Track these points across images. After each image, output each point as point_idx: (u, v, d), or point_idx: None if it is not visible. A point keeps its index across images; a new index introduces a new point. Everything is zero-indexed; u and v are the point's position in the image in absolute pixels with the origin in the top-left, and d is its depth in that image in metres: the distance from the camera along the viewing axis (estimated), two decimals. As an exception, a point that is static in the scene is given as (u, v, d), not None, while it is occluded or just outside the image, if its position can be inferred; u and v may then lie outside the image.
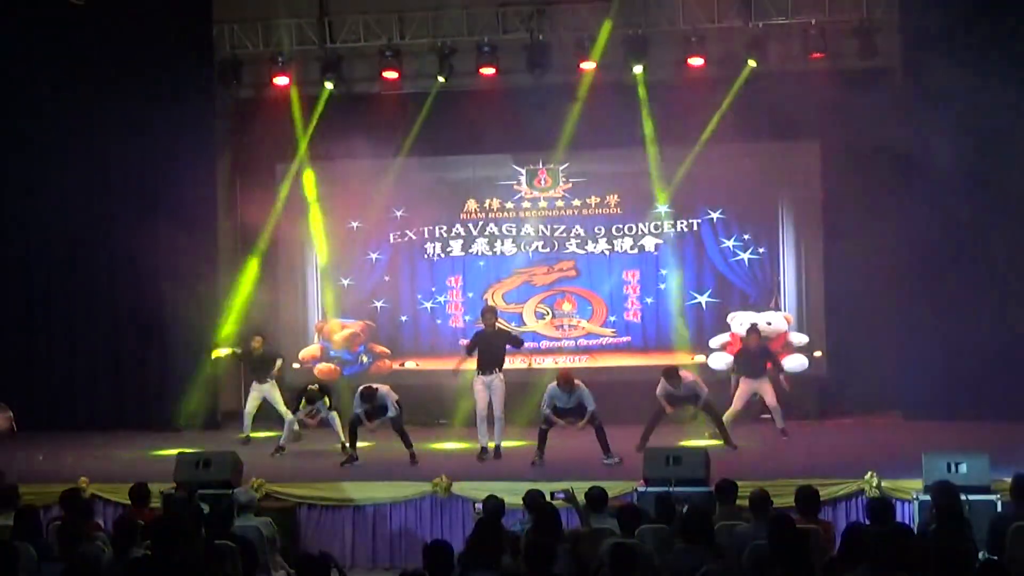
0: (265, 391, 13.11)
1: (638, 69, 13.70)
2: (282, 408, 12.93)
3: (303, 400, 12.16)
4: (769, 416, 12.76)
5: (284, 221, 15.10)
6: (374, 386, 11.48)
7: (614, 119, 13.91)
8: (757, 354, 12.49)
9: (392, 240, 15.01)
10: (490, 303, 13.98)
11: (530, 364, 13.80)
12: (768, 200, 14.41)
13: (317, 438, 12.59)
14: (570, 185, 14.74)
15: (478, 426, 11.60)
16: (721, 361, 14.21)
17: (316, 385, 12.50)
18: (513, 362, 14.49)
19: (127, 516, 7.54)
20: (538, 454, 11.21)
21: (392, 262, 15.05)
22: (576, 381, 11.24)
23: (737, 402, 12.33)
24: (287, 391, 13.24)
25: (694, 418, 11.77)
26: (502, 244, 14.88)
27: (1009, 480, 7.78)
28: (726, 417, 12.07)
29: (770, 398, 12.33)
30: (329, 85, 14.12)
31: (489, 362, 11.52)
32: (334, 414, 12.31)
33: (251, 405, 13.14)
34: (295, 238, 15.16)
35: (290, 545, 9.11)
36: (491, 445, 11.52)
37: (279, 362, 13.35)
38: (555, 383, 11.33)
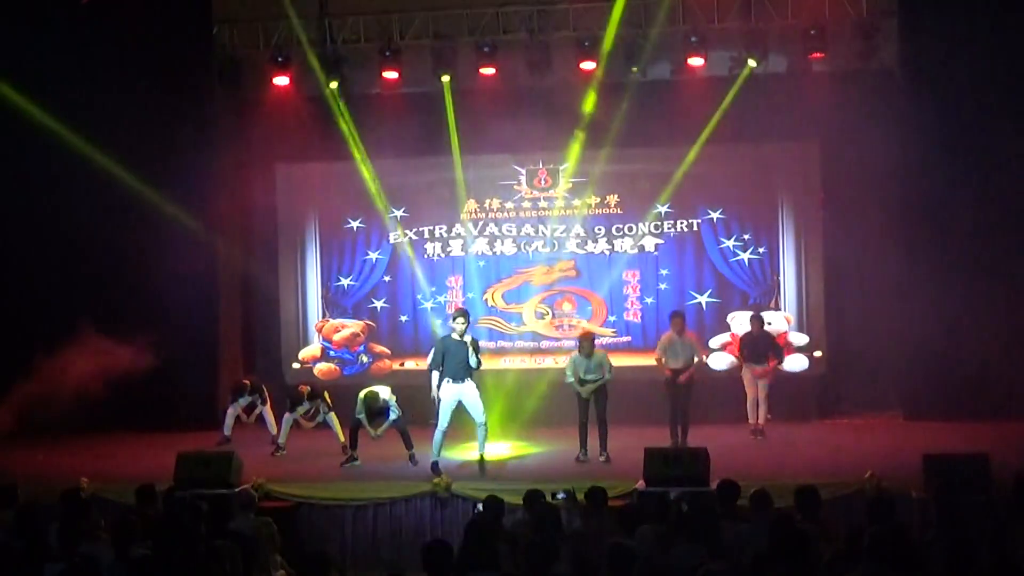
0: (253, 398, 13.20)
1: (635, 70, 13.69)
2: (269, 411, 13.08)
3: (289, 402, 12.39)
4: (769, 416, 12.80)
5: (284, 221, 15.11)
6: (376, 390, 11.47)
7: (614, 119, 13.91)
8: (759, 339, 12.76)
9: (392, 240, 15.02)
10: (490, 301, 14.22)
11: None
12: (768, 200, 14.40)
13: (317, 438, 12.60)
14: (570, 185, 14.75)
15: (434, 437, 10.94)
16: (721, 361, 14.23)
17: (307, 387, 12.60)
18: (514, 361, 14.61)
19: (127, 516, 7.53)
20: (582, 451, 11.34)
21: (392, 262, 15.06)
22: (596, 342, 11.57)
23: (748, 389, 12.62)
24: (287, 390, 13.30)
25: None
26: (502, 244, 14.88)
27: (1009, 480, 7.77)
28: (748, 406, 12.50)
29: (761, 391, 12.45)
30: (333, 85, 14.10)
31: (458, 370, 10.95)
32: (332, 415, 12.35)
33: (233, 409, 13.14)
34: (295, 238, 15.17)
35: (290, 545, 9.09)
36: (477, 457, 11.14)
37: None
38: (576, 351, 11.58)
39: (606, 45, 13.59)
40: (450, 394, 10.97)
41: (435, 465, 10.80)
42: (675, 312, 12.58)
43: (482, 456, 11.04)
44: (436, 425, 10.99)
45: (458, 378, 10.93)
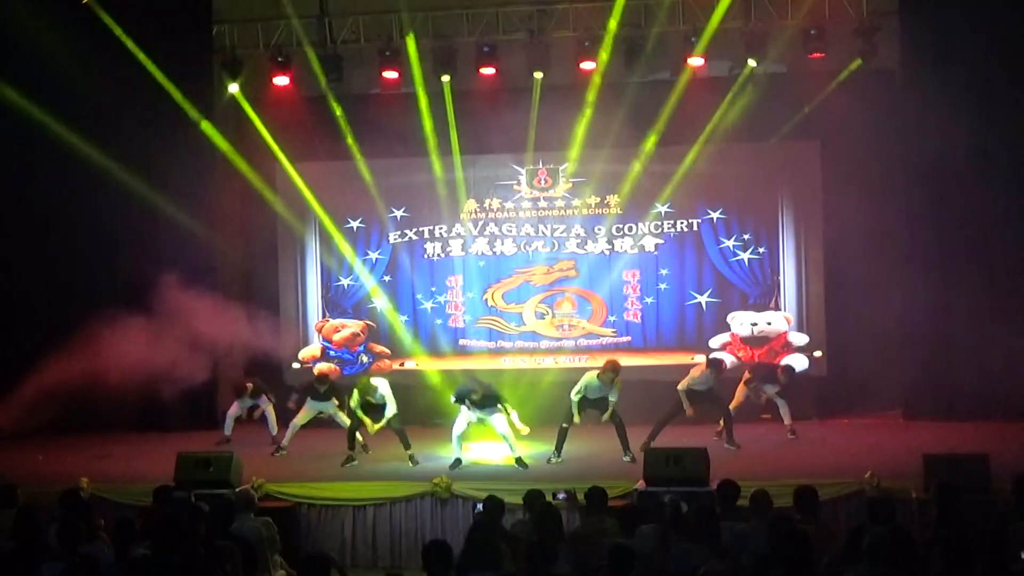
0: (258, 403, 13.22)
1: (635, 70, 13.70)
2: (271, 412, 13.11)
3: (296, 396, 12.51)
4: (769, 416, 12.80)
5: (284, 221, 15.11)
6: (373, 382, 11.47)
7: (614, 119, 13.91)
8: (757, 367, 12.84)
9: (392, 240, 15.02)
10: (490, 301, 14.61)
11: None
12: (768, 200, 14.41)
13: (317, 438, 12.59)
14: (570, 185, 14.75)
15: (453, 437, 11.30)
16: (721, 361, 14.22)
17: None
18: (515, 361, 14.60)
19: (127, 516, 7.53)
20: (556, 453, 11.29)
21: (392, 262, 15.06)
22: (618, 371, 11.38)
23: (739, 395, 12.51)
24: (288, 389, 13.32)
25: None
26: (502, 244, 14.88)
27: (1009, 480, 7.78)
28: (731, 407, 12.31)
29: (779, 403, 12.47)
30: (333, 85, 14.10)
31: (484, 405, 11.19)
32: (343, 415, 12.33)
33: (234, 409, 13.19)
34: (295, 238, 15.17)
35: (290, 545, 9.10)
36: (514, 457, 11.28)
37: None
38: (595, 374, 11.42)
39: (606, 45, 13.61)
40: (476, 413, 11.17)
41: (456, 462, 11.08)
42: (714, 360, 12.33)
43: (517, 457, 11.17)
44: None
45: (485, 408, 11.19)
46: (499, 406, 11.20)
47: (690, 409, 11.82)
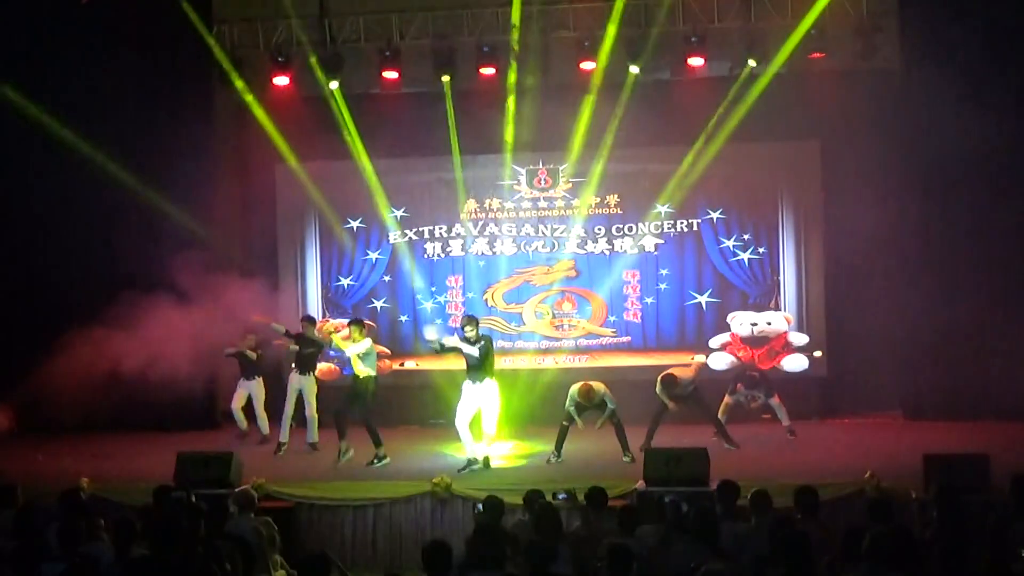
0: (251, 388, 13.25)
1: (635, 70, 13.69)
2: (261, 408, 13.21)
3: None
4: (769, 416, 12.79)
5: (284, 221, 15.11)
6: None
7: (614, 119, 13.91)
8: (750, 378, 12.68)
9: (392, 240, 15.02)
10: (490, 301, 14.53)
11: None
12: (768, 200, 14.41)
13: (320, 438, 12.58)
14: (570, 185, 14.75)
15: (461, 431, 11.06)
16: (721, 361, 14.23)
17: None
18: (515, 361, 14.60)
19: (127, 516, 7.52)
20: (555, 452, 11.28)
21: (392, 262, 15.06)
22: (593, 391, 11.29)
23: (724, 403, 12.43)
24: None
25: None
26: (502, 244, 14.88)
27: (1009, 480, 7.77)
28: (721, 411, 12.26)
29: (773, 397, 12.42)
30: (333, 84, 14.09)
31: (473, 373, 11.01)
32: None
33: (238, 401, 13.28)
34: (295, 238, 15.17)
35: (290, 545, 9.09)
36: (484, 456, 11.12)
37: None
38: (576, 388, 11.40)
39: (606, 45, 13.60)
40: (469, 393, 11.03)
41: (471, 462, 10.93)
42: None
43: (486, 457, 11.05)
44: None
45: (474, 380, 10.98)
46: (491, 359, 11.05)
47: (671, 403, 11.78)
